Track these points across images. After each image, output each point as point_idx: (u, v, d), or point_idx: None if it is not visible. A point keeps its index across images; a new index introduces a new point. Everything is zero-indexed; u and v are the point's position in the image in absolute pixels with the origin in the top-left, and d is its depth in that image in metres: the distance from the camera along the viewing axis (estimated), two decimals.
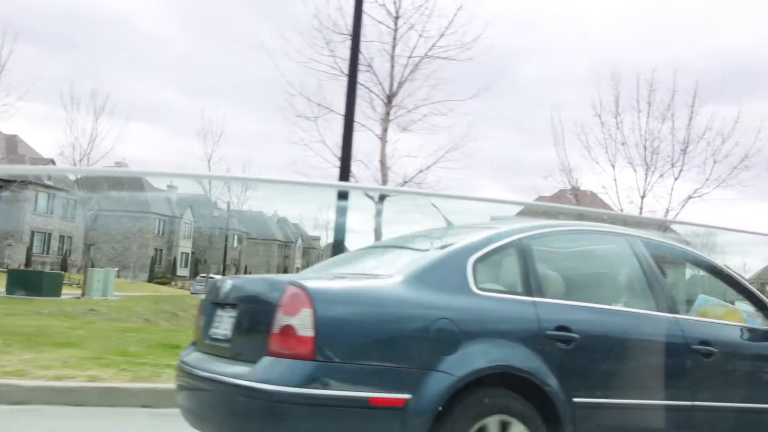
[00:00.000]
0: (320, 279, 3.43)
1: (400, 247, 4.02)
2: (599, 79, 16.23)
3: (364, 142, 12.26)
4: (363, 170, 11.89)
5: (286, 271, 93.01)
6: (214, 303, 3.70)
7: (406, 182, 11.85)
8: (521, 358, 3.22)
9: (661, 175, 15.69)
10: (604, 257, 4.19)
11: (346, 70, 11.71)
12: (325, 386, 2.92)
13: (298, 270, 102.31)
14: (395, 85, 11.95)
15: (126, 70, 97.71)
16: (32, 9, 72.07)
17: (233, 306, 3.47)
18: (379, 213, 11.68)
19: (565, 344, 3.35)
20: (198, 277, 51.48)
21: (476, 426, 3.10)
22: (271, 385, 2.91)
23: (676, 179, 15.44)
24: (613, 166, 16.28)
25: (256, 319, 3.31)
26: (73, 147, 28.73)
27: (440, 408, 2.99)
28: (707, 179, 15.13)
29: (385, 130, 11.93)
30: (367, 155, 12.12)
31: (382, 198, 11.59)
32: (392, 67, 12.00)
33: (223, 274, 42.98)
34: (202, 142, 46.37)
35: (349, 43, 11.44)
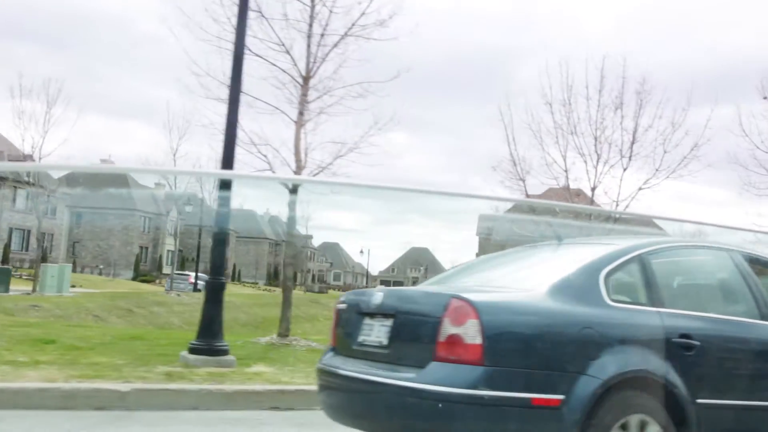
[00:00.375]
0: (479, 292, 3.69)
1: (523, 261, 4.60)
2: (549, 66, 15.44)
3: (284, 128, 11.52)
4: (275, 156, 11.16)
5: (276, 269, 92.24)
6: (361, 313, 4.05)
7: (322, 168, 11.15)
8: (653, 363, 3.58)
9: (612, 166, 15.10)
10: (711, 270, 4.54)
11: (254, 49, 11.03)
12: (493, 388, 3.25)
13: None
14: (312, 65, 11.25)
15: (124, 68, 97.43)
16: (30, 7, 71.39)
17: (387, 316, 3.81)
18: (292, 204, 11.01)
19: (688, 350, 3.71)
20: (172, 275, 50.95)
21: (619, 423, 3.45)
22: (443, 387, 3.26)
23: (625, 170, 14.88)
24: (563, 158, 15.65)
25: (417, 329, 3.65)
26: (22, 139, 27.64)
27: (590, 407, 3.33)
28: (657, 170, 14.60)
29: (301, 113, 11.22)
30: (286, 142, 11.43)
31: (294, 188, 10.91)
32: (308, 46, 11.29)
33: (197, 272, 42.26)
34: (168, 136, 44.69)
35: (254, 16, 10.75)
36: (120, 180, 65.30)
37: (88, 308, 22.07)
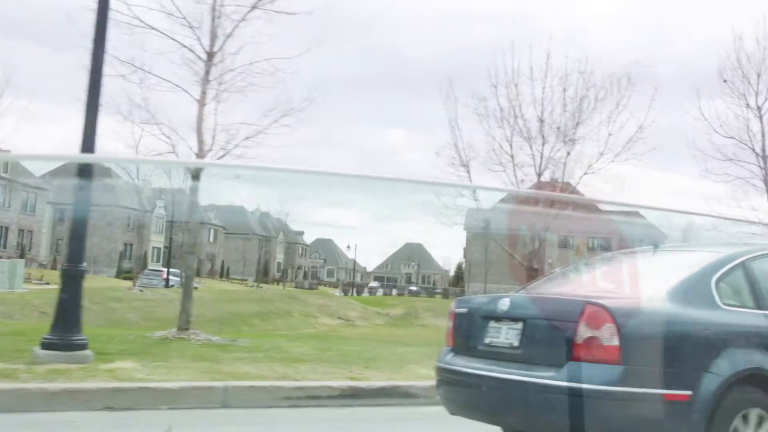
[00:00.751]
0: (610, 298, 3.97)
1: (626, 267, 4.93)
2: (495, 47, 14.66)
3: (189, 108, 10.76)
4: (178, 138, 10.42)
5: (267, 265, 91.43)
6: (486, 317, 4.39)
7: (227, 151, 10.41)
8: (765, 362, 3.90)
9: (558, 150, 14.41)
10: None
11: (151, 22, 10.30)
12: (630, 385, 3.62)
13: (279, 264, 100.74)
14: (215, 40, 10.50)
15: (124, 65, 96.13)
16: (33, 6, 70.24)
17: (515, 320, 4.16)
18: (193, 191, 10.27)
19: None
20: (146, 271, 50.34)
21: (740, 414, 3.79)
22: (583, 384, 3.61)
23: (568, 154, 14.21)
24: (509, 143, 14.92)
25: (551, 332, 3.97)
26: None
27: (714, 401, 3.67)
28: (602, 153, 13.96)
29: (204, 92, 10.48)
30: (194, 124, 10.68)
31: (196, 174, 10.17)
32: (213, 20, 10.54)
33: (168, 267, 41.64)
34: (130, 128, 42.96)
35: None
36: (103, 175, 64.49)
37: (36, 305, 21.38)
